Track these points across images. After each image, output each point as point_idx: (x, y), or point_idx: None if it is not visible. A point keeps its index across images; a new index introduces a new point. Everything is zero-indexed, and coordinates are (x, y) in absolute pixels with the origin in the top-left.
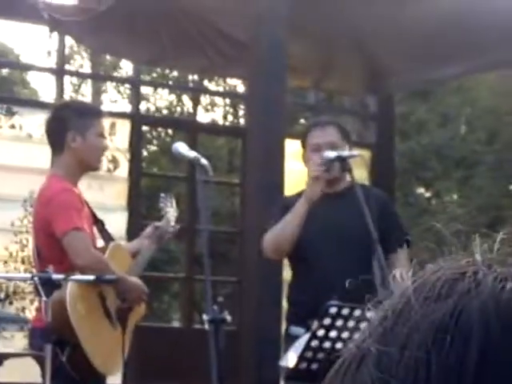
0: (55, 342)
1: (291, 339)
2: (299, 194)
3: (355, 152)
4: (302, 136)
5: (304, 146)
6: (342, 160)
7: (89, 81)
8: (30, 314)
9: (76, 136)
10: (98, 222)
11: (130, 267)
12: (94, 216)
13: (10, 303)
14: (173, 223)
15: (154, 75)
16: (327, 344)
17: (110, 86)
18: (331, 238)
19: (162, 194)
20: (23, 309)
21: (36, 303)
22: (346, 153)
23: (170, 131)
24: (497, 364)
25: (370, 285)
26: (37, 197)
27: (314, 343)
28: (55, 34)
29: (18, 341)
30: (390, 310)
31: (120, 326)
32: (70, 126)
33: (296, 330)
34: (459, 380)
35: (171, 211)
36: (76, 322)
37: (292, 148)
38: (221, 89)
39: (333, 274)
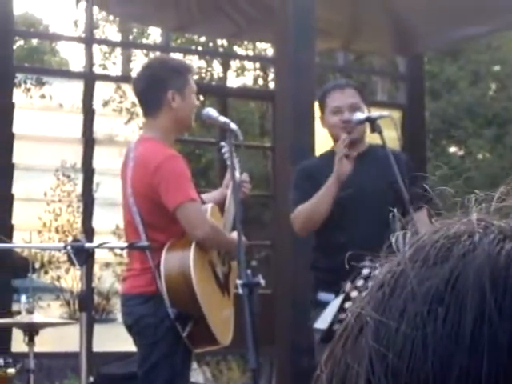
0: (177, 316)
1: (321, 305)
2: (321, 158)
3: (385, 112)
4: (320, 99)
5: (322, 109)
6: (372, 121)
7: (118, 49)
8: (66, 283)
9: (175, 95)
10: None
11: (223, 226)
12: None
13: (46, 273)
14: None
15: (183, 41)
16: None
17: (139, 53)
18: (356, 200)
19: (223, 143)
20: (58, 278)
21: (137, 266)
22: (375, 114)
23: (200, 97)
24: (492, 330)
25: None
26: (137, 161)
27: (348, 305)
28: (82, 4)
29: (55, 310)
30: (388, 275)
31: (226, 291)
32: (169, 84)
33: (325, 296)
34: (455, 348)
35: (235, 160)
36: (202, 297)
37: None
38: (250, 53)
39: (360, 236)
